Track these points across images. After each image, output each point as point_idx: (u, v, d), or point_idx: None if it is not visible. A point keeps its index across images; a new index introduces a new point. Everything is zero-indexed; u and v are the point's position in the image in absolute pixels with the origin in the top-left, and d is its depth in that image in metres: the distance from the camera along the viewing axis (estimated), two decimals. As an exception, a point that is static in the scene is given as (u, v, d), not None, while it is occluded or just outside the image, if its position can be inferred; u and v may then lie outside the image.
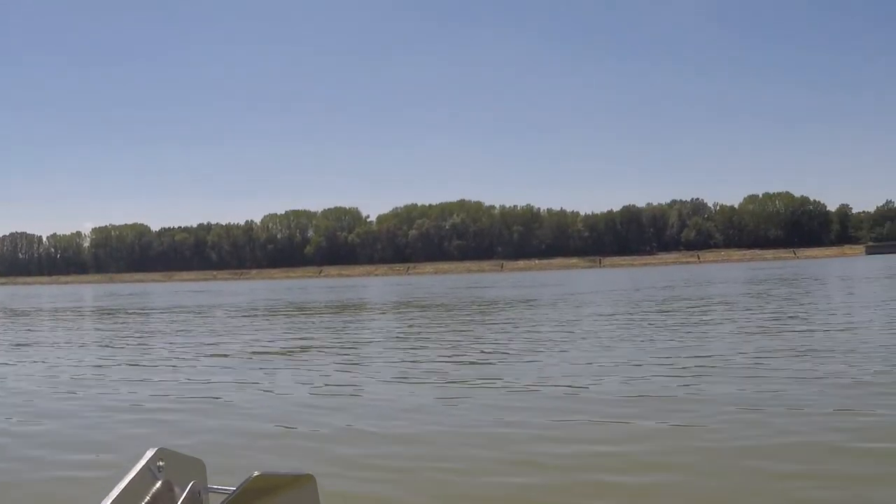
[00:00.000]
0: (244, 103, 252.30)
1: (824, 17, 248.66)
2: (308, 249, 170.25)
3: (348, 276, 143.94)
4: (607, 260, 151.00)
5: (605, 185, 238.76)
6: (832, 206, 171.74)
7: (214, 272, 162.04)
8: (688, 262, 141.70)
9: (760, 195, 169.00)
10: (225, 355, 16.89)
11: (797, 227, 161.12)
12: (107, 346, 20.34)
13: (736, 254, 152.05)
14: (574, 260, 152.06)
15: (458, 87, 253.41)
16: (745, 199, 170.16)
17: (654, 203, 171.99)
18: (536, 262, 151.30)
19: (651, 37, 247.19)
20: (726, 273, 73.43)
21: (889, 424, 7.93)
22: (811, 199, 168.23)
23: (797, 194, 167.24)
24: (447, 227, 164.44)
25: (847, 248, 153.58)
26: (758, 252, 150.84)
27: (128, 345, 20.40)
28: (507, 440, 7.98)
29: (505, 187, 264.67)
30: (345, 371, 14.01)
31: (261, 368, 14.49)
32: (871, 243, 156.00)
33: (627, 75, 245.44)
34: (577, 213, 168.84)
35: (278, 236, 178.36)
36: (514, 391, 10.98)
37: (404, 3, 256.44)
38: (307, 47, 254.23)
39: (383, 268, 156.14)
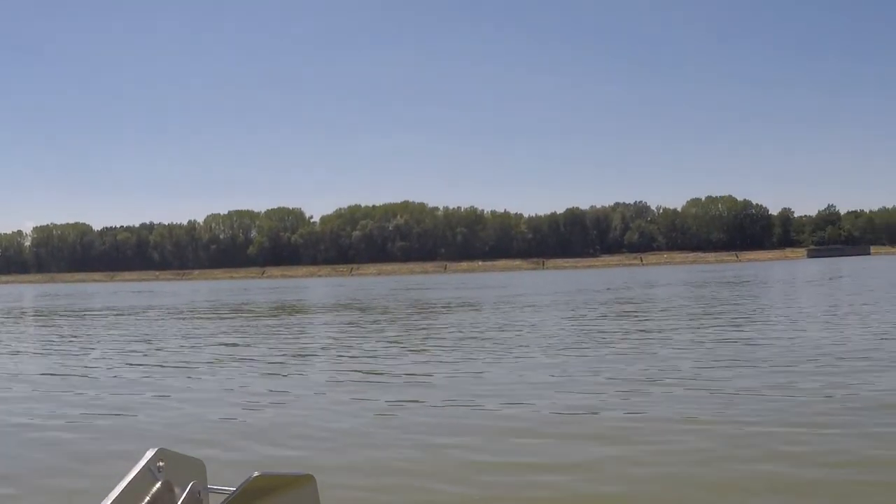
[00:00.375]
0: (188, 102, 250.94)
1: (766, 19, 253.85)
2: (251, 250, 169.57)
3: (291, 276, 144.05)
4: (551, 262, 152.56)
5: (549, 188, 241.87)
6: (774, 210, 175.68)
7: (157, 272, 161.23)
8: (631, 265, 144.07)
9: (703, 198, 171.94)
10: (142, 365, 16.15)
11: (740, 230, 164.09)
12: (22, 352, 19.65)
13: (678, 256, 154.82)
14: (517, 262, 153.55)
15: (402, 87, 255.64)
16: (687, 202, 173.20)
17: (598, 206, 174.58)
18: (480, 263, 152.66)
19: (593, 39, 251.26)
20: (669, 275, 74.68)
21: (828, 440, 7.79)
22: (754, 202, 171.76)
23: (740, 198, 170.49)
24: (391, 228, 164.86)
25: (789, 252, 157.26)
26: (700, 255, 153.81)
27: (47, 350, 19.77)
28: (438, 457, 7.81)
29: (449, 189, 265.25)
30: (266, 380, 13.53)
31: (187, 376, 14.08)
32: (812, 247, 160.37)
33: (571, 78, 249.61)
34: (521, 216, 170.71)
35: (221, 237, 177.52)
36: (445, 406, 10.64)
37: (348, 3, 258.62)
38: (251, 45, 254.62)
39: (326, 269, 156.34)
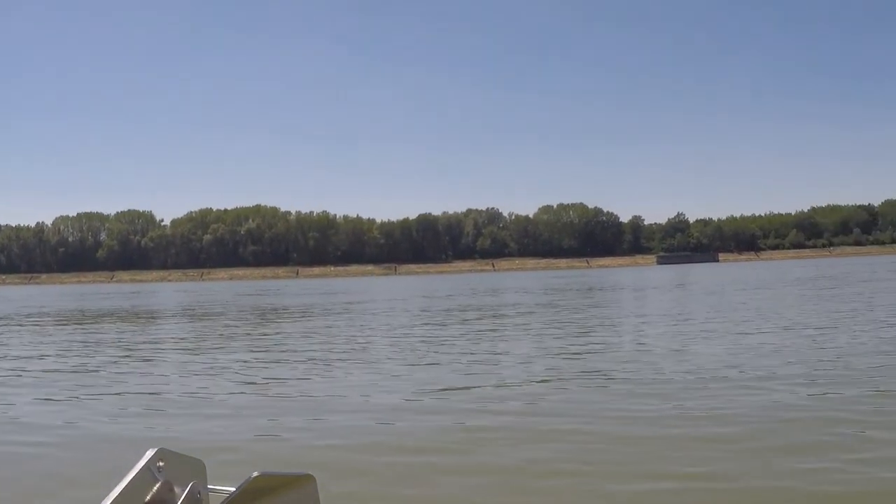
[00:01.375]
0: (38, 102, 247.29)
1: (606, 33, 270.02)
2: (100, 253, 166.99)
3: (141, 281, 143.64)
4: (403, 267, 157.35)
5: (402, 193, 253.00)
6: (625, 218, 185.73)
7: (3, 276, 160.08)
8: (483, 271, 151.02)
9: (555, 206, 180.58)
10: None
11: (591, 237, 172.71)
12: None
13: (530, 262, 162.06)
14: (370, 267, 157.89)
15: (254, 91, 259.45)
16: (539, 209, 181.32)
17: (451, 212, 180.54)
18: (332, 268, 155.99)
19: (444, 45, 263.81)
20: (520, 281, 77.54)
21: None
22: (605, 210, 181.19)
23: (591, 205, 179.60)
24: (242, 232, 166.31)
25: (639, 258, 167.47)
26: (552, 261, 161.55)
27: None
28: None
29: (301, 193, 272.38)
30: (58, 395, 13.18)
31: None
32: (662, 253, 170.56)
33: (424, 86, 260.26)
34: (374, 221, 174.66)
35: (70, 239, 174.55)
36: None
37: (200, 9, 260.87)
38: (103, 47, 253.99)
39: (177, 273, 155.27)
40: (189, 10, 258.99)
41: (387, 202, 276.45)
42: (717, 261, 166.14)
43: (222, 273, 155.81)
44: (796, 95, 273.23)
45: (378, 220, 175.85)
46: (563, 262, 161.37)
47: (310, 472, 1.52)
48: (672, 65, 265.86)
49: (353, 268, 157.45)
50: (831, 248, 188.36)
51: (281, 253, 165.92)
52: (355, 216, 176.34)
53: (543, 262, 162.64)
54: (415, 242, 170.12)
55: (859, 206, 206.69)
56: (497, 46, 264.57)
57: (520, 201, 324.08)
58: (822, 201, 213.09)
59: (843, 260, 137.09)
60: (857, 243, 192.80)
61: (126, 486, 1.39)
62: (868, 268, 75.85)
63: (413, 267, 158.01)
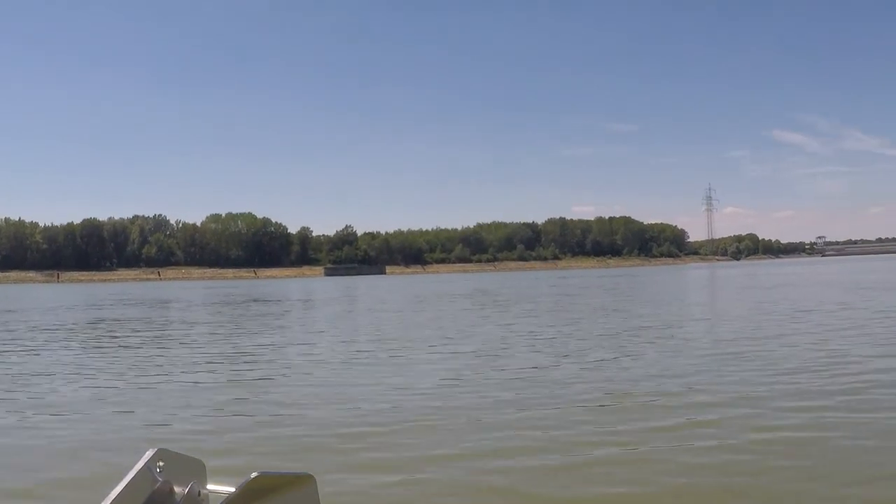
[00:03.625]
0: None
1: (300, 41, 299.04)
2: None
3: None
4: (66, 275, 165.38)
5: (68, 197, 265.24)
6: (294, 229, 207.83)
7: None
8: (148, 279, 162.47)
9: (223, 215, 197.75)
10: None
11: (259, 247, 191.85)
12: None
13: (196, 272, 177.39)
14: (31, 274, 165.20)
15: None
16: (207, 217, 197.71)
17: (117, 217, 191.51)
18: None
19: (108, 42, 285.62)
20: (186, 292, 79.89)
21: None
22: (273, 220, 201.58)
23: (260, 216, 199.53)
24: None
25: (307, 269, 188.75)
26: (219, 271, 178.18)
27: None
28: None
29: None
30: None
31: None
32: (329, 265, 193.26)
33: (89, 83, 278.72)
34: (37, 224, 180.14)
35: None
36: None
37: None
38: None
39: None
40: None
41: (52, 205, 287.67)
42: (385, 273, 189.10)
43: None
44: (456, 122, 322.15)
45: (41, 224, 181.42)
46: (230, 272, 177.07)
47: (309, 472, 1.59)
48: (343, 88, 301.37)
49: (14, 274, 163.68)
50: (496, 263, 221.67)
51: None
52: (17, 219, 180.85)
53: (210, 271, 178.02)
54: (79, 248, 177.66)
55: (523, 224, 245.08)
56: (167, 48, 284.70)
57: (189, 209, 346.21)
58: (488, 218, 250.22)
59: (506, 274, 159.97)
60: (521, 258, 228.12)
61: (126, 486, 1.45)
62: (513, 281, 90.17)
63: (77, 274, 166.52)
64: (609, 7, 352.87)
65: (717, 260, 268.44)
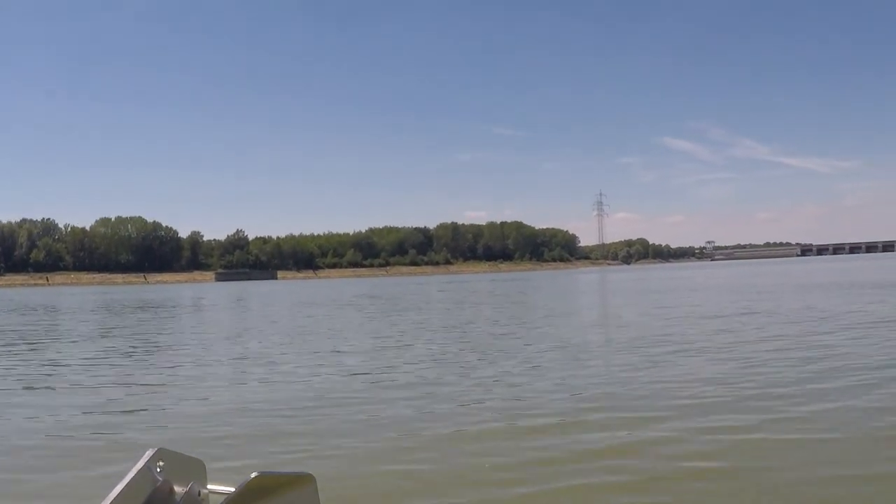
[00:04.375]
0: None
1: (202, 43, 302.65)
2: None
3: None
4: None
5: None
6: (184, 233, 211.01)
7: None
8: (37, 285, 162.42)
9: (113, 219, 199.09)
10: None
11: (149, 251, 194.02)
12: None
13: (86, 277, 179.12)
14: None
15: None
16: (97, 221, 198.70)
17: (4, 221, 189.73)
18: None
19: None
20: (75, 299, 77.18)
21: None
22: (164, 224, 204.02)
23: (150, 219, 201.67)
24: None
25: (198, 274, 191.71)
26: (108, 276, 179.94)
27: None
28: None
29: None
30: None
31: None
32: (220, 270, 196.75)
33: None
34: None
35: None
36: None
37: None
38: None
39: None
40: None
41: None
42: (276, 278, 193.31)
43: None
44: (346, 127, 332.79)
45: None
46: (119, 277, 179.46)
47: (309, 472, 1.64)
48: (233, 93, 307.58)
49: None
50: (388, 268, 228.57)
51: None
52: None
53: (99, 276, 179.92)
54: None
55: (415, 229, 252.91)
56: (55, 50, 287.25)
57: (78, 213, 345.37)
58: (380, 223, 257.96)
59: (398, 279, 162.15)
60: (413, 263, 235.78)
61: (126, 485, 1.49)
62: (404, 286, 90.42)
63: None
64: (501, 13, 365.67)
65: (608, 264, 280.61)
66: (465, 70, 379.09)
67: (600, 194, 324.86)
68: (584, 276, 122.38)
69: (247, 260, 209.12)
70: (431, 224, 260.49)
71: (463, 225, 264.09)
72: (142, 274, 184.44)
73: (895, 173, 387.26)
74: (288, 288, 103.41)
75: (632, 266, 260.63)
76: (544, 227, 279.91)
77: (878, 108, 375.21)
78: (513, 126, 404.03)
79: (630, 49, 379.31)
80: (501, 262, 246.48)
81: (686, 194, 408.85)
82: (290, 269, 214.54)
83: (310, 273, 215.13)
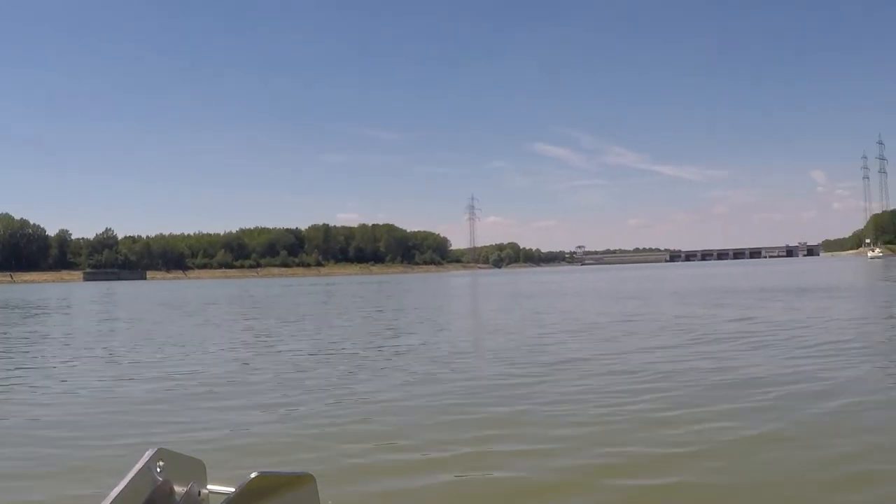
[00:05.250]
0: None
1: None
2: None
3: None
4: None
5: None
6: (52, 231, 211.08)
7: None
8: None
9: None
10: None
11: (15, 250, 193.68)
12: None
13: None
14: None
15: None
16: None
17: None
18: None
19: None
20: None
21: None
22: (31, 222, 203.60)
23: (17, 216, 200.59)
24: None
25: (66, 274, 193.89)
26: None
27: None
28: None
29: None
30: None
31: None
32: (89, 269, 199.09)
33: None
34: None
35: None
36: None
37: None
38: None
39: None
40: None
41: None
42: (146, 278, 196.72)
43: None
44: (217, 126, 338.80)
45: None
46: None
47: (309, 472, 1.69)
48: (100, 90, 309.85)
49: None
50: (259, 269, 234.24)
51: None
52: None
53: None
54: None
55: (287, 230, 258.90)
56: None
57: None
58: (252, 223, 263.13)
59: (269, 280, 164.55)
60: (284, 265, 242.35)
61: (126, 485, 1.52)
62: (274, 288, 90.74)
63: None
64: (375, 17, 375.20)
65: (479, 268, 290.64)
66: (338, 72, 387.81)
67: (472, 198, 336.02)
68: (455, 280, 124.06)
69: (116, 259, 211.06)
70: (303, 225, 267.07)
71: (335, 227, 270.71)
72: (8, 273, 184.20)
73: (762, 183, 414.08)
74: (155, 289, 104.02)
75: (503, 270, 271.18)
76: (416, 230, 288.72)
77: (747, 120, 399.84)
78: (387, 128, 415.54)
79: (504, 55, 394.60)
80: (373, 265, 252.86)
81: (558, 200, 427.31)
82: (160, 270, 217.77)
83: (179, 273, 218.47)
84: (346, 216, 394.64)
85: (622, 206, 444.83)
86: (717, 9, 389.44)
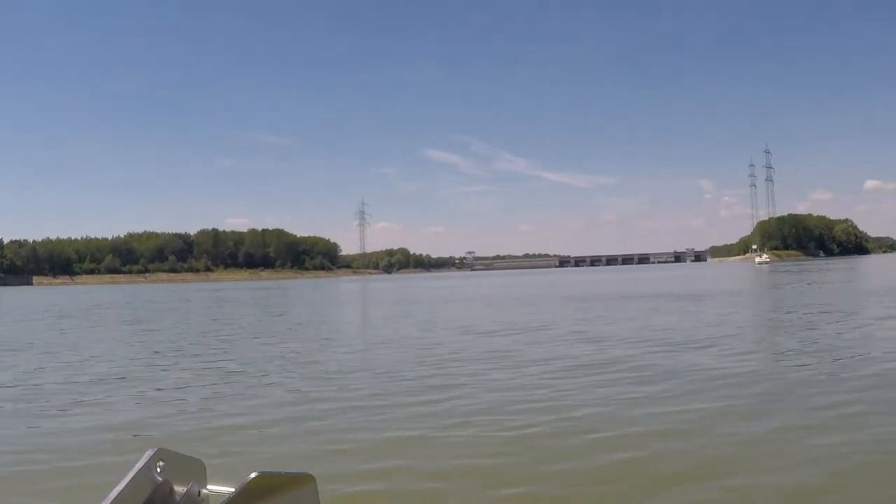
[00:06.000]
0: None
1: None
2: None
3: None
4: None
5: None
6: None
7: None
8: None
9: None
10: None
11: None
12: None
13: None
14: None
15: None
16: None
17: None
18: None
19: None
20: None
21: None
22: None
23: None
24: None
25: None
26: None
27: None
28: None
29: None
30: None
31: None
32: None
33: None
34: None
35: None
36: None
37: None
38: None
39: None
40: None
41: None
42: (32, 284, 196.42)
43: None
44: (103, 127, 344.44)
45: None
46: None
47: (309, 472, 1.65)
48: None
49: None
50: (147, 274, 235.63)
51: None
52: None
53: None
54: None
55: (175, 234, 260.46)
56: None
57: None
58: (140, 228, 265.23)
59: (157, 286, 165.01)
60: (173, 270, 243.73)
61: (126, 485, 1.51)
62: (161, 293, 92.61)
63: None
64: (263, 20, 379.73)
65: (370, 273, 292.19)
66: (226, 76, 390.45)
67: (362, 203, 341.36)
68: (347, 286, 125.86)
69: (0, 265, 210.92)
70: (193, 230, 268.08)
71: (224, 232, 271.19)
72: None
73: (651, 190, 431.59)
74: (41, 295, 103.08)
75: (392, 275, 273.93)
76: (306, 235, 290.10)
77: (636, 128, 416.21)
78: (276, 133, 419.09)
79: (393, 60, 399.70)
80: (262, 270, 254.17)
81: (449, 205, 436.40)
82: (47, 275, 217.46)
83: (67, 279, 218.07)
84: (236, 221, 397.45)
85: (512, 212, 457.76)
86: (609, 15, 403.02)
